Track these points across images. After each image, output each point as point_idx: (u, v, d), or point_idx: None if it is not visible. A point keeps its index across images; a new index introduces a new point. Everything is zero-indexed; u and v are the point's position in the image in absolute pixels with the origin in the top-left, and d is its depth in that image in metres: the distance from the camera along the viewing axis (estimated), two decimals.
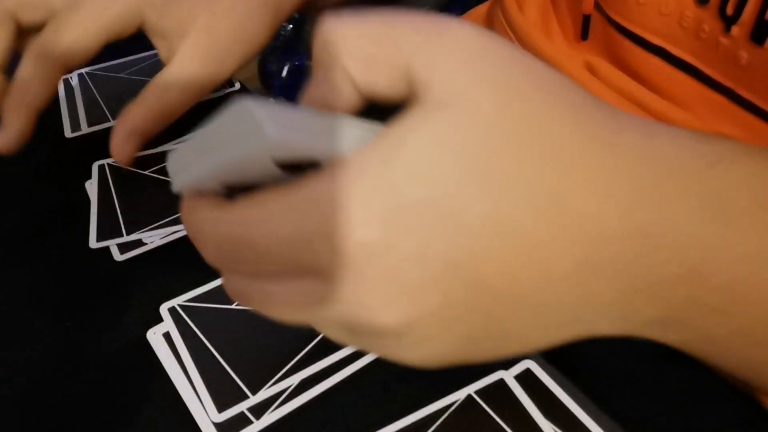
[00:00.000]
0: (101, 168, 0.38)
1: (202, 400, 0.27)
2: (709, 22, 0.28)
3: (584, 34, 0.35)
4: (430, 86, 0.16)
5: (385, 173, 0.15)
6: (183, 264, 0.33)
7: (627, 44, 0.33)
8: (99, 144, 0.41)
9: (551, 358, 0.29)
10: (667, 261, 0.17)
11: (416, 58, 0.16)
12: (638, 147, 0.17)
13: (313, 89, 0.18)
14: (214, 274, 0.32)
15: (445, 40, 0.16)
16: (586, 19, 0.35)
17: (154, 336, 0.30)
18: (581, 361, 0.27)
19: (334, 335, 0.18)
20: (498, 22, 0.40)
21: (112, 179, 0.37)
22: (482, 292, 0.16)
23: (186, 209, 0.18)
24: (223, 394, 0.27)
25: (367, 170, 0.15)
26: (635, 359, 0.38)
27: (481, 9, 0.47)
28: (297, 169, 0.16)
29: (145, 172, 0.38)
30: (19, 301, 0.32)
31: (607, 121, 0.17)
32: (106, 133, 0.42)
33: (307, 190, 0.15)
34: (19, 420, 0.27)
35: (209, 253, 0.18)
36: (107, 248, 0.34)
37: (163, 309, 0.30)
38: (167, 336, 0.29)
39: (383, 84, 0.17)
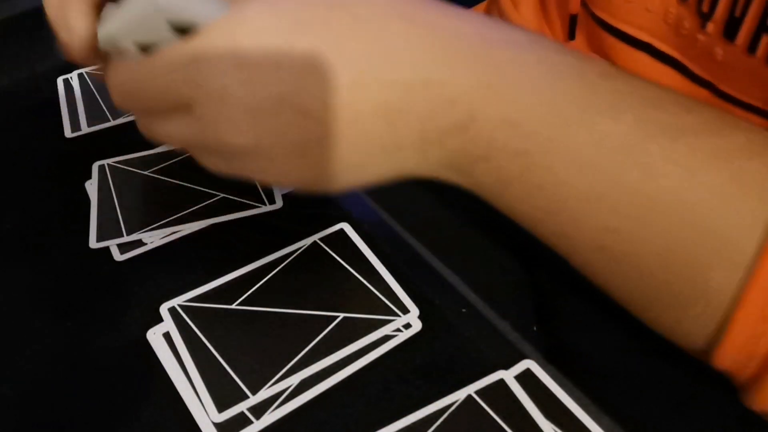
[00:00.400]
0: (101, 168, 0.38)
1: (202, 400, 0.27)
2: (689, 18, 0.29)
3: (571, 34, 0.36)
4: None
5: (230, 32, 0.21)
6: (183, 264, 0.33)
7: (612, 41, 0.33)
8: (99, 144, 0.41)
9: (551, 358, 0.29)
10: (446, 112, 0.21)
11: None
12: (436, 22, 0.21)
13: None
14: (214, 274, 0.32)
15: None
16: (573, 19, 0.35)
17: (154, 336, 0.30)
18: (581, 361, 0.28)
19: (208, 161, 0.23)
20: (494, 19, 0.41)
21: (112, 179, 0.37)
22: (306, 118, 0.21)
23: (107, 67, 0.24)
24: (223, 394, 0.27)
25: (219, 32, 0.21)
26: (635, 359, 0.38)
27: (478, 8, 0.47)
28: (182, 32, 0.21)
29: (145, 172, 0.38)
30: (19, 301, 0.32)
31: (420, 6, 0.22)
32: (106, 133, 0.42)
33: (179, 47, 0.21)
34: (19, 420, 0.28)
35: (116, 98, 0.24)
36: (107, 248, 0.34)
37: (163, 309, 0.30)
38: (167, 336, 0.29)
39: None
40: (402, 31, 0.21)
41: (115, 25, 0.23)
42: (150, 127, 0.24)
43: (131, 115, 0.42)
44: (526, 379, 0.27)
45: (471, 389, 0.27)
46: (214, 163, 0.23)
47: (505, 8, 0.39)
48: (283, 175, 0.22)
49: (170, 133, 0.23)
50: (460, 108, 0.21)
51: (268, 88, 0.20)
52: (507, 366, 0.28)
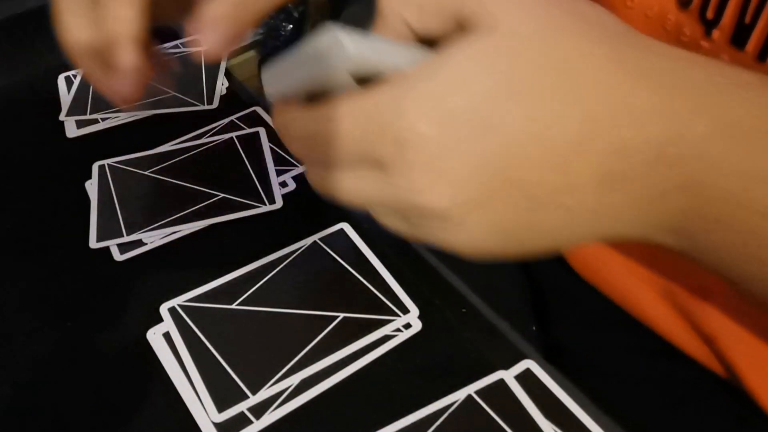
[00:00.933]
0: (101, 168, 0.38)
1: (202, 400, 0.27)
2: (690, 25, 0.28)
3: None
4: (475, 21, 0.19)
5: (437, 83, 0.19)
6: (183, 264, 0.33)
7: None
8: (99, 144, 0.41)
9: (551, 358, 0.29)
10: (676, 171, 0.19)
11: (463, 1, 0.20)
12: (661, 70, 0.19)
13: (376, 31, 0.22)
14: (214, 274, 0.32)
15: None
16: None
17: (154, 336, 0.30)
18: (581, 361, 0.27)
19: (390, 222, 0.21)
20: None
21: (112, 179, 0.37)
22: (514, 187, 0.19)
23: (276, 112, 0.22)
24: (223, 394, 0.27)
25: (419, 80, 0.19)
26: (635, 359, 0.38)
27: None
28: (368, 83, 0.20)
29: (145, 172, 0.38)
30: (19, 301, 0.32)
31: (636, 48, 0.20)
32: (107, 133, 0.42)
33: (372, 95, 0.19)
34: (19, 420, 0.28)
35: (294, 147, 0.22)
36: (107, 248, 0.34)
37: (163, 309, 0.30)
38: (167, 336, 0.29)
39: (436, 26, 0.21)
40: (624, 84, 0.19)
41: (291, 83, 0.21)
42: (325, 180, 0.21)
43: (132, 116, 0.42)
44: (526, 379, 0.27)
45: (471, 389, 0.27)
46: (395, 224, 0.21)
47: None
48: (474, 244, 0.20)
49: (351, 189, 0.21)
50: (692, 166, 0.19)
51: (480, 151, 0.18)
52: (507, 366, 0.28)
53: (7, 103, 0.44)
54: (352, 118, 0.19)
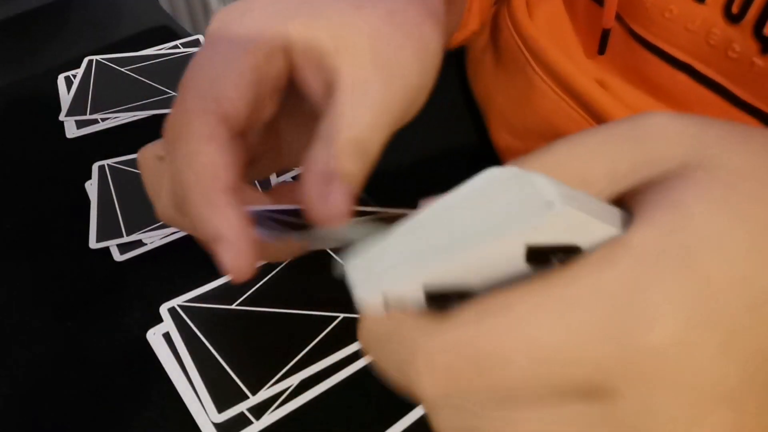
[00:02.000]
0: (101, 168, 0.38)
1: (202, 401, 0.27)
2: (741, 41, 0.27)
3: (602, 49, 0.34)
4: (668, 166, 0.13)
5: (687, 255, 0.12)
6: (183, 264, 0.33)
7: (651, 59, 0.31)
8: (99, 144, 0.41)
9: None
10: None
11: (629, 155, 0.14)
12: None
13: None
14: (213, 275, 0.32)
15: (654, 126, 0.14)
16: (606, 33, 0.33)
17: (154, 336, 0.29)
18: None
19: None
20: (504, 26, 0.40)
21: (111, 179, 0.37)
22: None
23: (383, 328, 0.13)
24: (223, 394, 0.27)
25: (665, 252, 0.12)
26: None
27: (480, 11, 0.46)
28: (543, 261, 0.12)
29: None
30: (19, 301, 0.32)
31: None
32: (107, 134, 0.42)
33: (581, 280, 0.12)
34: (19, 420, 0.27)
35: (432, 384, 0.13)
36: (107, 248, 0.34)
37: (163, 309, 0.30)
38: (167, 336, 0.29)
39: (624, 188, 0.14)
40: None
41: (423, 275, 0.12)
42: (483, 428, 0.13)
43: (133, 116, 0.42)
44: None
45: None
46: None
47: (517, 14, 0.38)
48: None
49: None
50: None
51: (745, 345, 0.12)
52: None
53: (7, 103, 0.44)
54: (546, 322, 0.12)
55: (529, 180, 0.11)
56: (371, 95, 0.20)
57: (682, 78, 0.30)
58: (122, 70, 0.46)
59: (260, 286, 0.31)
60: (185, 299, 0.31)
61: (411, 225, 0.13)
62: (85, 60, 0.46)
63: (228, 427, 0.26)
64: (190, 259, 0.33)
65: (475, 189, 0.12)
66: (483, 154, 0.45)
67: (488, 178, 0.12)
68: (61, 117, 0.42)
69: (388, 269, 0.13)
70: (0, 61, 0.48)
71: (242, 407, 0.27)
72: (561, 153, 0.14)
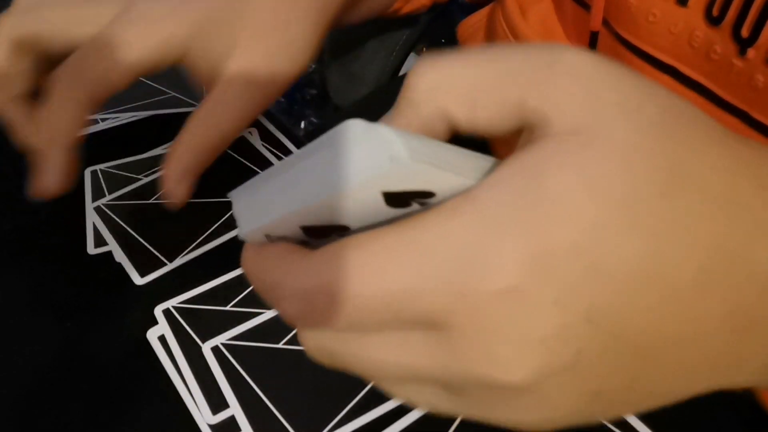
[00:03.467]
0: (93, 174, 0.38)
1: (197, 402, 0.27)
2: (722, 43, 0.27)
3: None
4: (552, 119, 0.14)
5: (522, 210, 0.13)
6: (183, 264, 0.33)
7: (636, 61, 0.32)
8: (99, 144, 0.41)
9: None
10: None
11: (531, 93, 0.14)
12: None
13: (396, 123, 0.16)
14: (209, 276, 0.32)
15: (561, 70, 0.14)
16: (594, 36, 0.33)
17: (153, 337, 0.30)
18: None
19: (425, 399, 0.16)
20: (499, 27, 0.40)
21: (105, 186, 0.37)
22: (621, 347, 0.14)
23: (258, 258, 0.15)
24: (218, 397, 0.27)
25: (501, 207, 0.13)
26: None
27: (482, 12, 0.46)
28: (403, 204, 0.13)
29: (140, 176, 0.38)
30: (19, 301, 0.32)
31: (753, 156, 0.15)
32: (106, 134, 0.42)
33: (429, 228, 0.13)
34: (19, 420, 0.28)
35: (292, 309, 0.15)
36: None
37: (158, 311, 0.30)
38: (162, 339, 0.29)
39: (485, 122, 0.15)
40: (755, 200, 0.14)
41: (287, 212, 0.14)
42: (340, 347, 0.15)
43: (133, 116, 0.42)
44: None
45: None
46: (428, 400, 0.16)
47: (512, 15, 0.38)
48: (552, 418, 0.15)
49: (379, 359, 0.15)
50: None
51: (580, 301, 0.13)
52: None
53: None
54: (393, 264, 0.13)
55: (379, 133, 0.12)
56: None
57: (666, 80, 0.31)
58: None
59: None
60: (179, 301, 0.31)
61: (286, 167, 0.14)
62: None
63: (223, 428, 0.26)
64: (190, 260, 0.33)
65: (332, 139, 0.13)
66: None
67: (345, 129, 0.13)
68: None
69: (267, 205, 0.14)
70: None
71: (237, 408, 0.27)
72: (467, 65, 0.15)
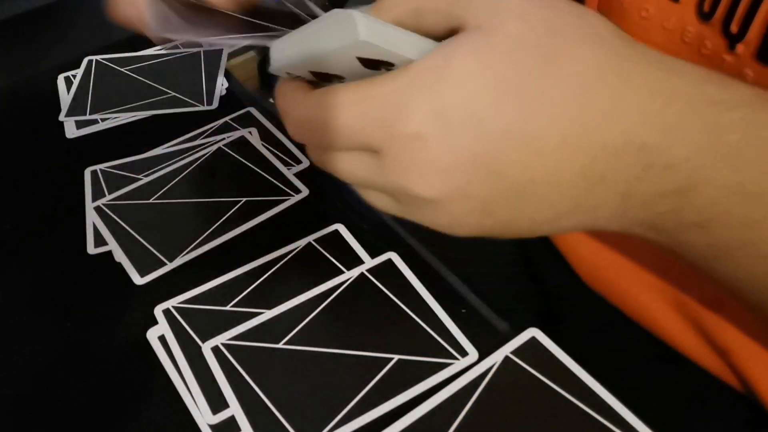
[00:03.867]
0: (93, 174, 0.38)
1: (197, 402, 0.27)
2: (712, 38, 0.28)
3: None
4: (467, 21, 0.20)
5: (434, 80, 0.19)
6: (183, 264, 0.33)
7: None
8: (99, 144, 0.41)
9: (548, 364, 0.28)
10: (660, 178, 0.20)
11: (455, 4, 0.20)
12: (653, 79, 0.20)
13: (375, 11, 0.22)
14: (208, 276, 0.32)
15: None
16: None
17: (153, 337, 0.30)
18: (581, 362, 0.27)
19: (378, 201, 0.23)
20: None
21: (105, 186, 0.37)
22: (500, 180, 0.20)
23: (278, 91, 0.23)
24: (218, 397, 0.27)
25: (420, 77, 0.19)
26: (638, 360, 0.38)
27: None
28: (374, 68, 0.20)
29: (140, 177, 0.38)
30: (19, 301, 0.32)
31: (627, 54, 0.20)
32: (106, 134, 0.42)
33: (374, 86, 0.20)
34: (18, 420, 0.28)
35: (291, 129, 0.23)
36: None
37: (158, 311, 0.30)
38: (162, 339, 0.29)
39: (429, 27, 0.21)
40: (616, 91, 0.19)
41: (296, 59, 0.21)
42: (324, 159, 0.23)
43: (132, 116, 0.42)
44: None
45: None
46: (384, 204, 0.23)
47: None
48: (459, 227, 0.22)
49: (346, 170, 0.22)
50: (677, 174, 0.20)
51: (467, 146, 0.19)
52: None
53: (7, 103, 0.44)
54: (352, 108, 0.20)
55: (353, 17, 0.18)
56: None
57: None
58: (122, 70, 0.46)
59: (257, 285, 0.31)
60: (179, 301, 0.31)
61: (303, 29, 0.21)
62: (85, 60, 0.46)
63: (223, 428, 0.26)
64: (190, 260, 0.33)
65: (326, 20, 0.20)
66: None
67: (334, 12, 0.19)
68: (61, 117, 0.42)
69: (285, 52, 0.22)
70: (0, 61, 0.48)
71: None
72: None
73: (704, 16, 0.28)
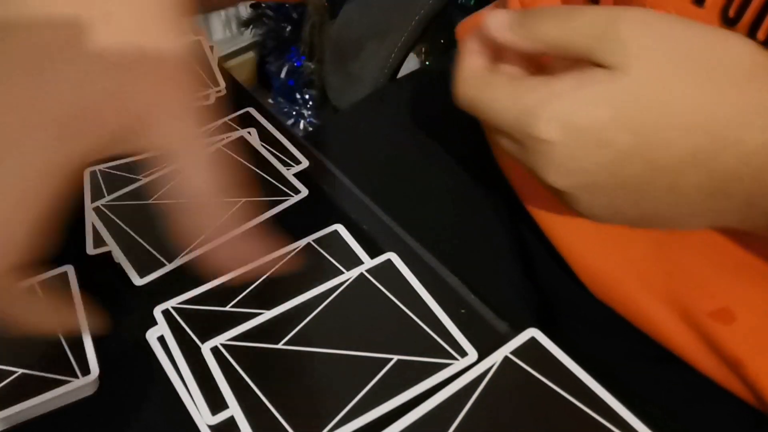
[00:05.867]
0: (93, 174, 0.38)
1: (196, 402, 0.27)
2: (709, 24, 0.28)
3: None
4: (617, 63, 0.23)
5: (580, 97, 0.24)
6: (180, 265, 0.33)
7: None
8: None
9: (548, 364, 0.28)
10: None
11: (598, 46, 0.24)
12: None
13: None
14: (209, 276, 0.32)
15: (622, 28, 0.24)
16: None
17: (153, 337, 0.30)
18: (580, 362, 0.27)
19: (507, 147, 0.27)
20: None
21: (104, 186, 0.37)
22: (620, 188, 0.24)
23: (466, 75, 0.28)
24: (217, 397, 0.27)
25: (570, 94, 0.24)
26: (638, 360, 0.38)
27: (482, 12, 0.46)
28: None
29: (139, 177, 0.38)
30: None
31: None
32: None
33: (529, 87, 0.25)
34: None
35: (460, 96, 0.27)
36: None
37: (157, 311, 0.30)
38: (161, 339, 0.29)
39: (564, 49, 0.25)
40: (759, 94, 0.23)
41: None
42: (480, 105, 0.26)
43: None
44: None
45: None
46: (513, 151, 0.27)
47: None
48: (591, 215, 0.26)
49: (491, 117, 0.26)
50: None
51: (586, 161, 0.24)
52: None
53: None
54: (501, 99, 0.25)
55: None
56: None
57: None
58: None
59: (255, 287, 0.31)
60: (179, 301, 0.31)
61: None
62: None
63: (222, 429, 0.26)
64: (189, 260, 0.33)
65: None
66: (482, 156, 0.45)
67: None
68: None
69: None
70: None
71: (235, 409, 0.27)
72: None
73: (729, 22, 0.28)
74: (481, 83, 0.26)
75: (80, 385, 0.27)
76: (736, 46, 0.24)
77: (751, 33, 0.27)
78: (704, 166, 0.23)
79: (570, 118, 0.23)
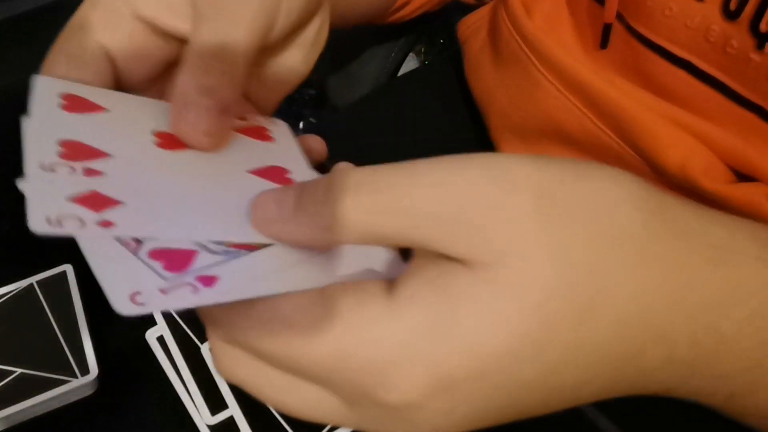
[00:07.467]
0: None
1: (196, 402, 0.27)
2: (738, 37, 0.28)
3: (604, 43, 0.34)
4: (468, 255, 0.15)
5: (435, 345, 0.15)
6: None
7: (651, 56, 0.32)
8: None
9: None
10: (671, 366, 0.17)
11: (439, 234, 0.15)
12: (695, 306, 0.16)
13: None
14: None
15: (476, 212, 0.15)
16: (607, 28, 0.34)
17: (152, 338, 0.30)
18: None
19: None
20: (503, 25, 0.39)
21: None
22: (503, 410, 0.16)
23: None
24: (217, 397, 0.27)
25: (422, 331, 0.15)
26: None
27: (483, 11, 0.46)
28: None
29: None
30: None
31: (666, 276, 0.16)
32: None
33: (352, 336, 0.15)
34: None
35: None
36: None
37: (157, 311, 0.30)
38: (161, 339, 0.29)
39: (386, 240, 0.16)
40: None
41: None
42: (248, 372, 0.17)
43: None
44: None
45: None
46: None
47: (516, 13, 0.38)
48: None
49: (293, 403, 0.17)
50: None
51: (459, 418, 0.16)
52: None
53: (7, 103, 0.44)
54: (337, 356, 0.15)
55: None
56: (224, 7, 0.21)
57: (681, 74, 0.31)
58: None
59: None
60: None
61: None
62: None
63: (221, 429, 0.26)
64: None
65: None
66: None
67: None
68: None
69: None
70: (0, 61, 0.48)
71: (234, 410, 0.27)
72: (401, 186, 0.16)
73: (730, 15, 0.28)
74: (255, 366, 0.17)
75: (79, 385, 0.27)
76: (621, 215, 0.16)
77: (753, 26, 0.27)
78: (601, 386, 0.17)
79: (437, 369, 0.15)
